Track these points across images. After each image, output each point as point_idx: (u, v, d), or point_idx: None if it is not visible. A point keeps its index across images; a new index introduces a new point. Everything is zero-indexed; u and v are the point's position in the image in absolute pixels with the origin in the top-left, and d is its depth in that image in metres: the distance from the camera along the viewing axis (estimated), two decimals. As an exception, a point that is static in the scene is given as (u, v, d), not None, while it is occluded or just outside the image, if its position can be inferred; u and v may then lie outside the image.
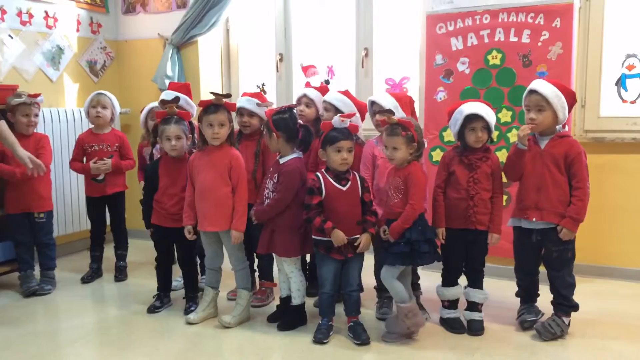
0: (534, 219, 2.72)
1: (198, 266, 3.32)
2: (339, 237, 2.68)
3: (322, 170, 2.77)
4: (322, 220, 2.68)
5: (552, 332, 2.71)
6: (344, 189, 2.71)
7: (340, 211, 2.70)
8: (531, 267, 2.85)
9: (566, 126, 2.90)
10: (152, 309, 3.17)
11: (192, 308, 3.09)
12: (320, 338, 2.73)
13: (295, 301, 2.93)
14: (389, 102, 2.90)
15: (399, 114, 2.84)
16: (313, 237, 2.78)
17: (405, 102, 2.98)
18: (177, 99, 3.12)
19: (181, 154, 3.07)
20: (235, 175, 2.90)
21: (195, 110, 3.45)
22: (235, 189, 2.90)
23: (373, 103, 2.99)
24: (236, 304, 3.01)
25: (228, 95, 2.98)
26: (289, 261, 2.91)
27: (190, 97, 3.47)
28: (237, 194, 2.90)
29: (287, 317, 2.95)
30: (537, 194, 2.71)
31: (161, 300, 3.22)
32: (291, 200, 2.82)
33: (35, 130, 3.55)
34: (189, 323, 2.98)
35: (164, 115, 3.04)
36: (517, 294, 2.94)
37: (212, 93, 2.94)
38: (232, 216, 2.89)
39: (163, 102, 3.10)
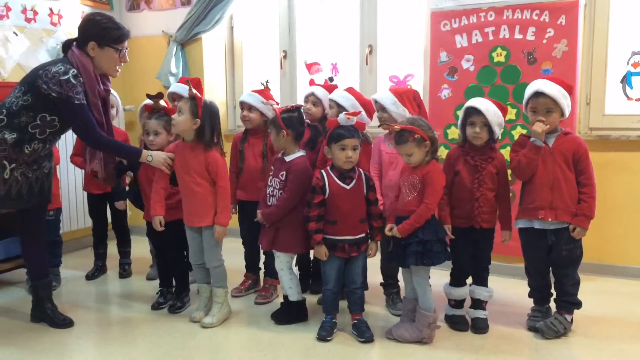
0: (550, 219, 2.67)
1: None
2: (320, 253, 2.72)
3: (327, 168, 2.77)
4: (315, 229, 2.70)
5: (555, 330, 2.71)
6: (348, 187, 2.71)
7: (343, 209, 2.70)
8: (543, 267, 2.82)
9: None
10: (155, 306, 3.18)
11: (177, 307, 3.12)
12: (324, 335, 2.73)
13: (292, 297, 2.94)
14: (387, 99, 2.89)
15: (397, 109, 2.84)
16: None
17: (409, 97, 2.94)
18: (160, 94, 3.11)
19: (160, 148, 3.03)
20: (213, 172, 2.86)
21: None
22: (215, 184, 2.89)
23: (376, 101, 3.00)
24: (214, 302, 3.00)
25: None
26: (281, 257, 2.91)
27: (201, 93, 3.47)
28: (218, 189, 2.89)
29: (284, 312, 2.97)
30: (551, 193, 2.67)
31: (164, 296, 3.23)
32: (302, 196, 2.82)
33: None
34: (193, 321, 2.98)
35: (151, 109, 3.08)
36: (530, 295, 2.92)
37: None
38: (215, 211, 2.89)
39: (149, 97, 3.10)
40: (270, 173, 2.95)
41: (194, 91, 2.85)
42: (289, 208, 2.82)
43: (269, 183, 2.93)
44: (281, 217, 2.84)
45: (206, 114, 2.84)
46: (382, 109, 2.91)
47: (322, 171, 2.76)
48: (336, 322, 2.81)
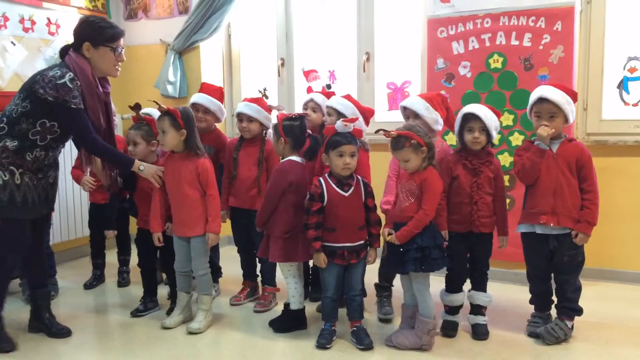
0: (551, 225, 2.68)
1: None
2: (319, 260, 2.72)
3: (325, 175, 2.77)
4: (314, 236, 2.70)
5: (556, 336, 2.70)
6: (346, 194, 2.71)
7: (342, 217, 2.70)
8: (545, 273, 2.82)
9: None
10: (135, 313, 3.19)
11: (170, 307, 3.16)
12: (323, 343, 2.72)
13: (293, 306, 2.94)
14: (420, 105, 2.87)
15: (430, 114, 2.83)
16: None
17: (438, 101, 2.93)
18: (138, 105, 3.12)
19: (142, 158, 3.04)
20: (203, 181, 2.90)
21: (225, 115, 3.52)
22: (205, 193, 2.92)
23: (405, 108, 2.95)
24: (199, 309, 3.00)
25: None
26: (282, 266, 2.93)
27: (222, 102, 3.48)
28: (208, 197, 2.92)
29: (283, 320, 2.96)
30: (554, 199, 2.68)
31: (145, 304, 3.25)
32: (278, 200, 2.83)
33: None
34: (165, 327, 2.99)
35: (134, 120, 3.13)
36: (531, 302, 2.91)
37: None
38: (205, 220, 2.92)
39: (130, 108, 3.12)
40: None
41: (164, 106, 2.89)
42: (266, 210, 2.86)
43: None
44: (265, 222, 2.88)
45: (186, 122, 2.86)
46: (415, 115, 2.87)
47: (321, 178, 2.76)
48: (335, 330, 2.80)
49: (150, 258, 3.25)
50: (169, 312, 3.16)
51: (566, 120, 2.69)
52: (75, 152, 3.85)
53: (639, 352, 2.65)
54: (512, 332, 2.86)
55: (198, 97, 3.40)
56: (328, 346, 2.72)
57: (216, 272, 3.54)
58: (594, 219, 2.67)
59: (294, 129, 2.88)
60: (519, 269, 3.47)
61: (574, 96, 2.72)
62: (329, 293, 2.77)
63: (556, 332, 2.71)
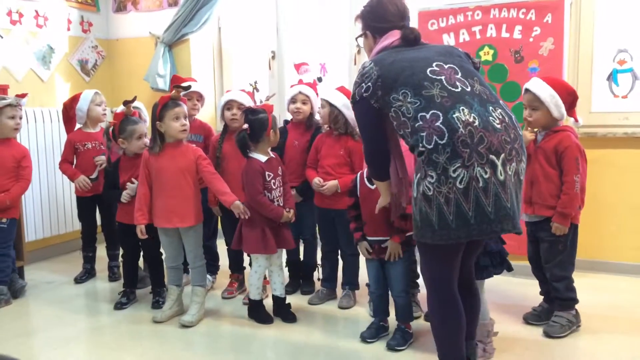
0: (527, 213, 2.77)
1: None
2: (362, 249, 2.71)
3: (363, 171, 2.73)
4: (355, 227, 2.71)
5: (559, 324, 2.72)
6: (372, 187, 2.62)
7: (369, 210, 2.61)
8: (536, 259, 2.85)
9: (579, 120, 2.83)
10: (118, 306, 3.20)
11: (161, 303, 3.15)
12: (364, 336, 2.68)
13: (251, 295, 3.00)
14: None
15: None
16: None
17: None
18: (134, 98, 3.10)
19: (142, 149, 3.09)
20: (204, 165, 2.93)
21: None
22: (209, 177, 2.93)
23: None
24: (192, 302, 3.01)
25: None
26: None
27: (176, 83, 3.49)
28: (213, 175, 2.94)
29: (251, 311, 3.01)
30: (531, 189, 2.74)
31: (127, 296, 3.25)
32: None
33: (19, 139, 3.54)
34: (156, 322, 2.99)
35: (122, 115, 3.09)
36: (540, 293, 2.94)
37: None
38: (199, 211, 2.96)
39: (125, 103, 3.09)
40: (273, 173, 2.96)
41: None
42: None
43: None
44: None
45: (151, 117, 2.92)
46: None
47: (358, 174, 2.74)
48: (384, 326, 2.73)
49: (133, 251, 3.26)
50: (154, 305, 3.17)
51: (552, 114, 2.68)
52: (59, 144, 3.81)
53: (629, 341, 2.67)
54: (503, 323, 2.86)
55: (197, 86, 3.45)
56: (369, 340, 2.67)
57: (215, 260, 3.55)
58: (565, 209, 2.66)
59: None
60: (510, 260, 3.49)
61: (568, 92, 2.70)
62: (372, 288, 2.75)
63: (557, 322, 2.73)
